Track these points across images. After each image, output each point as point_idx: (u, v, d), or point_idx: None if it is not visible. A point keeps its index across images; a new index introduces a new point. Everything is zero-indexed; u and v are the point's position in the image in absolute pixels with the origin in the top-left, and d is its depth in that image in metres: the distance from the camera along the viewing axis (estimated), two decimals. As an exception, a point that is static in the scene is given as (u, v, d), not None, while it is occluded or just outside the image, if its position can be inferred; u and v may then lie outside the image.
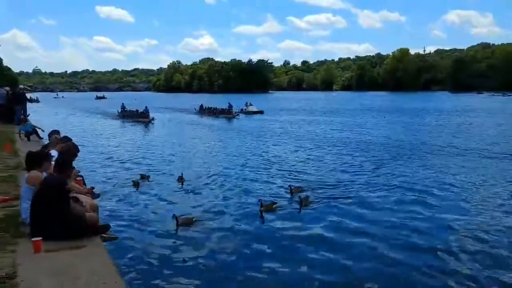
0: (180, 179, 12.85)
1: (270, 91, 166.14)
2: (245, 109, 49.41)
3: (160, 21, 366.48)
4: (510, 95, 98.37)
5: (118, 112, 45.74)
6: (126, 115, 43.25)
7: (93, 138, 25.99)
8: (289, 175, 14.09)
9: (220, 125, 36.88)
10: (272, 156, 18.37)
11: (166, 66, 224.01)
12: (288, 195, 11.20)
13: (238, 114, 45.02)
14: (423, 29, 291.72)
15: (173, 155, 19.29)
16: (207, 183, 12.96)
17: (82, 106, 70.56)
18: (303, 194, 10.82)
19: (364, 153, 19.22)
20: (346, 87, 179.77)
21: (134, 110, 43.25)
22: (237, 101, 50.54)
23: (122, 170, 15.21)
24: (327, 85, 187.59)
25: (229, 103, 46.95)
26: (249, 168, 15.54)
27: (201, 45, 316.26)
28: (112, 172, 14.79)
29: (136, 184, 12.39)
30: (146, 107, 41.14)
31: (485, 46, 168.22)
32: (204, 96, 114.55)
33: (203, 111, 49.90)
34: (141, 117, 38.87)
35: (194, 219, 9.00)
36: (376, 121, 37.65)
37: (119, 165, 16.49)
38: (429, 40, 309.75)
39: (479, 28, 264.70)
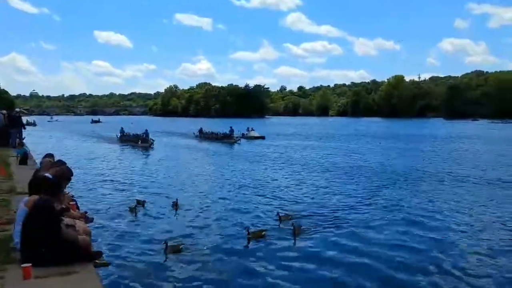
0: (175, 205, 12.74)
1: (267, 116, 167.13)
2: (246, 134, 48.73)
3: (158, 46, 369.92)
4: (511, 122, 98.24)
5: (117, 136, 44.81)
6: (125, 139, 42.34)
7: (89, 162, 25.56)
8: (284, 202, 14.00)
9: (221, 150, 36.07)
10: (269, 182, 18.21)
11: (163, 91, 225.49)
12: (278, 223, 11.08)
13: (239, 139, 44.29)
14: (418, 57, 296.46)
15: (171, 180, 19.05)
16: (202, 210, 12.81)
17: (78, 129, 70.41)
18: (296, 222, 10.61)
19: (359, 179, 19.19)
20: (342, 113, 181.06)
21: (134, 134, 42.60)
22: (235, 125, 50.10)
23: (118, 195, 15.05)
24: (322, 111, 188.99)
25: (230, 127, 46.28)
26: (245, 195, 15.32)
27: (198, 70, 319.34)
28: (108, 197, 14.65)
29: (132, 210, 12.30)
30: (146, 130, 40.09)
31: (479, 73, 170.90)
32: (201, 121, 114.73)
33: (202, 135, 49.14)
34: (141, 141, 38.01)
35: (181, 246, 8.86)
36: (371, 147, 37.72)
37: (116, 190, 16.29)
38: (424, 67, 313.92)
39: (473, 57, 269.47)
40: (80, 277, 5.15)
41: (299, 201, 14.25)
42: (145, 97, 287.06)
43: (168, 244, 8.71)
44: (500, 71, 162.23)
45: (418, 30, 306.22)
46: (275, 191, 15.95)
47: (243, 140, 44.48)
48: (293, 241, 9.74)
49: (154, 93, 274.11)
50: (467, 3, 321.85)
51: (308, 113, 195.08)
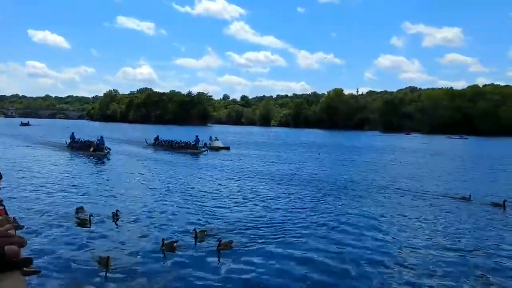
0: (115, 216, 12.39)
1: (209, 124, 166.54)
2: (209, 143, 44.89)
3: (98, 49, 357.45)
4: (466, 138, 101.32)
5: (66, 142, 39.98)
6: (76, 146, 37.74)
7: (29, 170, 23.06)
8: (218, 214, 13.76)
9: (183, 161, 31.88)
10: (226, 195, 17.51)
11: (102, 95, 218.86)
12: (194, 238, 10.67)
13: (206, 150, 40.65)
14: (357, 71, 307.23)
15: (121, 192, 17.58)
16: (141, 223, 12.36)
17: (9, 133, 66.49)
18: (224, 238, 10.31)
19: (295, 188, 19.74)
20: (283, 123, 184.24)
21: (86, 140, 38.13)
22: (180, 133, 48.72)
23: (56, 204, 14.40)
24: (265, 121, 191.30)
25: (196, 136, 42.60)
26: (186, 206, 14.88)
27: (140, 75, 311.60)
28: (47, 206, 13.98)
29: (74, 218, 12.26)
30: (101, 137, 35.77)
31: (412, 89, 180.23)
32: (142, 127, 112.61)
33: (159, 144, 44.70)
34: (94, 149, 34.03)
35: (108, 259, 8.51)
36: (309, 157, 38.69)
37: (56, 198, 15.49)
38: (362, 81, 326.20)
39: (408, 73, 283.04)
40: (6, 284, 4.91)
41: (234, 214, 14.07)
42: (83, 101, 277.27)
43: (100, 257, 8.57)
44: (432, 88, 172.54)
45: (357, 46, 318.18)
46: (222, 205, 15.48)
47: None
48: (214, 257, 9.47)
49: (93, 97, 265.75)
50: (403, 22, 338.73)
51: (250, 122, 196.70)
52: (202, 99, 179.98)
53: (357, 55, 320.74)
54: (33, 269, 6.75)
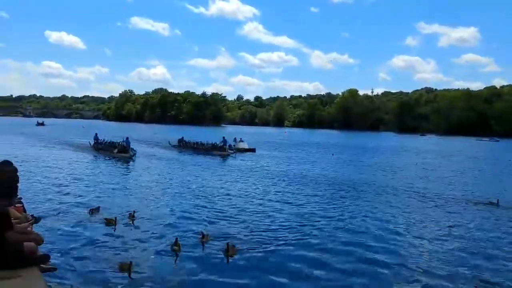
0: (131, 216, 12.33)
1: (223, 125, 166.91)
2: (234, 145, 42.87)
3: (112, 49, 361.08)
4: (497, 140, 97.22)
5: (90, 144, 39.01)
6: (100, 148, 36.48)
7: (50, 169, 23.30)
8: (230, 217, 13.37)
9: (213, 164, 30.67)
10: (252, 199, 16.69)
11: (117, 95, 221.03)
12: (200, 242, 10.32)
13: (234, 152, 39.04)
14: (371, 72, 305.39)
15: (145, 194, 17.01)
16: (157, 225, 12.10)
17: (27, 132, 67.43)
18: (230, 242, 9.82)
19: (318, 191, 19.61)
20: (297, 124, 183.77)
21: (110, 141, 36.89)
22: (196, 133, 47.70)
23: (73, 203, 14.42)
24: (278, 121, 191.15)
25: (223, 137, 41.30)
26: (214, 211, 14.11)
27: (153, 75, 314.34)
28: (66, 204, 14.04)
29: (89, 214, 12.54)
30: (127, 138, 34.42)
31: (428, 90, 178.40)
32: (158, 127, 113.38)
33: (184, 145, 43.24)
34: (118, 151, 32.61)
35: (130, 265, 8.28)
36: (322, 157, 38.48)
37: (75, 198, 15.50)
38: (376, 82, 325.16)
39: (423, 74, 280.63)
40: (24, 281, 5.00)
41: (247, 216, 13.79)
42: (99, 101, 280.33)
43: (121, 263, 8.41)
44: (448, 88, 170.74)
45: (371, 46, 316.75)
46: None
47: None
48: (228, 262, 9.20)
49: (108, 97, 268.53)
50: (418, 22, 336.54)
51: (264, 123, 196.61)
52: (216, 99, 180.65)
53: (371, 55, 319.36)
54: (50, 266, 6.86)
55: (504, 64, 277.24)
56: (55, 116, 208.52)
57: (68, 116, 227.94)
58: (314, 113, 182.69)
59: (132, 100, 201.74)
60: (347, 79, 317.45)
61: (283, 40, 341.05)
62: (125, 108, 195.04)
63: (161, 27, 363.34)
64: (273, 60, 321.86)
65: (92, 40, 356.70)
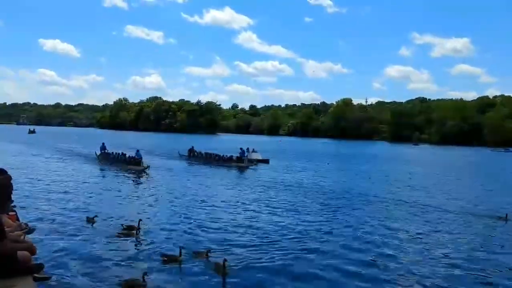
0: (131, 228, 11.94)
1: (218, 133, 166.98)
2: (247, 155, 38.64)
3: (107, 57, 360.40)
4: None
5: (96, 154, 36.41)
6: (107, 158, 34.29)
7: (51, 179, 22.95)
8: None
9: (234, 177, 29.05)
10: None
11: (112, 103, 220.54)
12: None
13: (255, 163, 36.92)
14: (365, 81, 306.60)
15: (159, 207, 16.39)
16: (161, 235, 11.93)
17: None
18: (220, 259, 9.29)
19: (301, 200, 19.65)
20: (292, 133, 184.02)
21: (120, 153, 33.88)
22: (192, 142, 46.42)
23: (67, 211, 14.50)
24: (273, 130, 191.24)
25: (241, 148, 38.86)
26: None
27: (149, 84, 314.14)
28: (54, 211, 14.13)
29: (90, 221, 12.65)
30: (138, 150, 32.09)
31: (422, 100, 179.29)
32: (157, 136, 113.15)
33: (195, 156, 40.68)
34: (130, 163, 30.63)
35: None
36: (318, 167, 38.54)
37: (73, 208, 15.24)
38: (370, 91, 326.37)
39: (416, 84, 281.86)
40: (18, 290, 4.94)
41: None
42: (93, 109, 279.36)
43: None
44: (441, 98, 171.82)
45: (365, 56, 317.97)
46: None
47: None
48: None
49: (103, 105, 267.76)
50: (411, 33, 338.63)
51: (259, 132, 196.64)
52: (211, 108, 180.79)
53: (365, 65, 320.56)
54: (44, 275, 6.78)
55: (497, 75, 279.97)
56: (49, 124, 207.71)
57: (62, 124, 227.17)
58: (308, 122, 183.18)
59: (127, 108, 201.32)
60: (342, 88, 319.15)
61: (278, 50, 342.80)
62: (120, 116, 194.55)
63: (156, 36, 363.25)
64: (268, 69, 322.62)
65: (87, 48, 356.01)
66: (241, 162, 35.88)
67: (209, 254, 9.92)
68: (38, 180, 22.26)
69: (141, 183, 24.37)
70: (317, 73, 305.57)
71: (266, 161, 40.16)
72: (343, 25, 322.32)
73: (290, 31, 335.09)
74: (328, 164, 42.28)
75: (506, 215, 15.98)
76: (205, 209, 16.27)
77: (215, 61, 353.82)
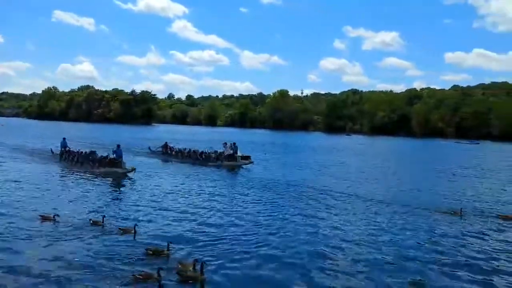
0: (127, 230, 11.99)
1: (154, 124, 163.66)
2: (224, 152, 32.41)
3: (34, 44, 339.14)
4: (478, 143, 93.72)
5: (52, 152, 31.05)
6: (68, 158, 28.27)
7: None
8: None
9: (231, 179, 26.01)
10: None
11: (40, 92, 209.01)
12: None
13: (252, 162, 31.75)
14: (301, 73, 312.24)
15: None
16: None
17: None
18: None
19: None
20: (229, 124, 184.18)
21: (89, 151, 27.96)
22: (127, 133, 45.43)
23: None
24: (211, 121, 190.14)
25: (233, 143, 33.00)
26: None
27: (80, 72, 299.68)
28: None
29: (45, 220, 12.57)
30: (118, 146, 26.20)
31: (354, 92, 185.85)
32: (86, 126, 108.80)
33: (171, 153, 35.47)
34: (107, 165, 25.01)
35: None
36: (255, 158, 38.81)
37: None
38: (306, 83, 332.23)
39: (350, 76, 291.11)
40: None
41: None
42: (20, 98, 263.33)
43: None
44: (372, 90, 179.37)
45: (301, 48, 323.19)
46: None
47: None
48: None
49: (30, 94, 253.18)
50: (345, 26, 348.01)
51: (196, 122, 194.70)
52: (146, 98, 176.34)
53: (301, 57, 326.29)
54: None
55: (424, 68, 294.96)
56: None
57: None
58: (246, 112, 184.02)
59: (56, 97, 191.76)
60: (278, 80, 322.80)
61: (214, 39, 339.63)
62: (49, 105, 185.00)
63: (86, 22, 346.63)
64: (204, 59, 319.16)
65: (11, 34, 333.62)
66: (233, 160, 31.16)
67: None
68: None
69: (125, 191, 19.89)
70: (253, 64, 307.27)
71: (247, 158, 32.63)
72: (279, 17, 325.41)
73: (226, 21, 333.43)
74: (265, 154, 42.96)
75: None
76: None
77: (149, 50, 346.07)
